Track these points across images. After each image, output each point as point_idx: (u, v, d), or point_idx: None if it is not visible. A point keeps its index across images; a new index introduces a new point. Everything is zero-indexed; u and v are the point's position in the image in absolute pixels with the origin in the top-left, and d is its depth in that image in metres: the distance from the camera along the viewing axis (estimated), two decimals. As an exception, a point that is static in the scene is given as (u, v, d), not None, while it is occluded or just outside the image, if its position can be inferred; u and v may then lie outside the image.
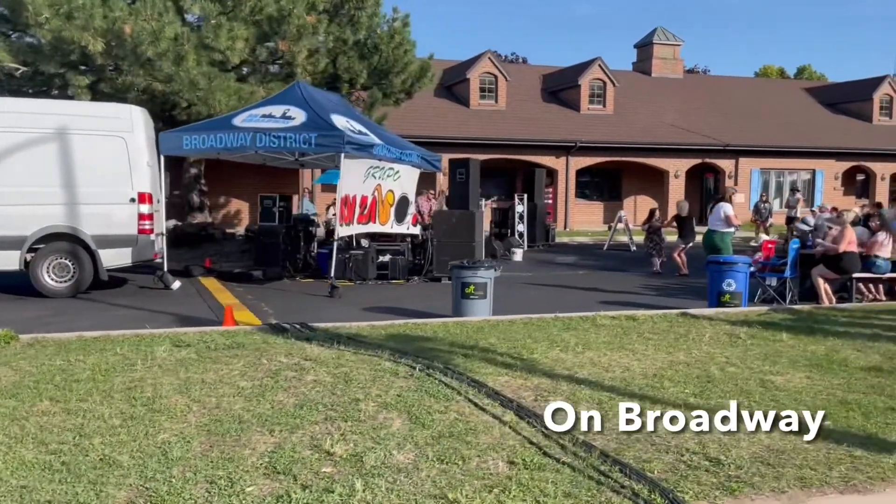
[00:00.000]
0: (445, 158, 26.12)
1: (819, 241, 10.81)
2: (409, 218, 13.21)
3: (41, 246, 9.83)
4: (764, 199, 23.73)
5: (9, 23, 12.62)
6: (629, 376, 5.51)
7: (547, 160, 26.59)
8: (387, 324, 7.32)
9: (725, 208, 11.12)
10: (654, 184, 28.71)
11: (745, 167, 29.48)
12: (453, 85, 28.26)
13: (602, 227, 25.83)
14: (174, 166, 18.33)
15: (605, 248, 20.66)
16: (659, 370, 5.72)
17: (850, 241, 10.04)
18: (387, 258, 13.03)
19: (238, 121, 11.03)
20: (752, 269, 10.87)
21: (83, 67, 12.44)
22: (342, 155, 10.47)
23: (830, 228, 11.38)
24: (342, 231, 10.99)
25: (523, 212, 20.39)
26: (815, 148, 29.70)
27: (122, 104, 11.06)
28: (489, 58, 27.15)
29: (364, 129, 12.36)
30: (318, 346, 6.17)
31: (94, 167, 9.86)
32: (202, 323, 7.84)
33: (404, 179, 12.80)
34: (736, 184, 29.33)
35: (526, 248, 20.25)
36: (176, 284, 10.81)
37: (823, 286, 10.15)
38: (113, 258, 10.02)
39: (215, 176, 17.65)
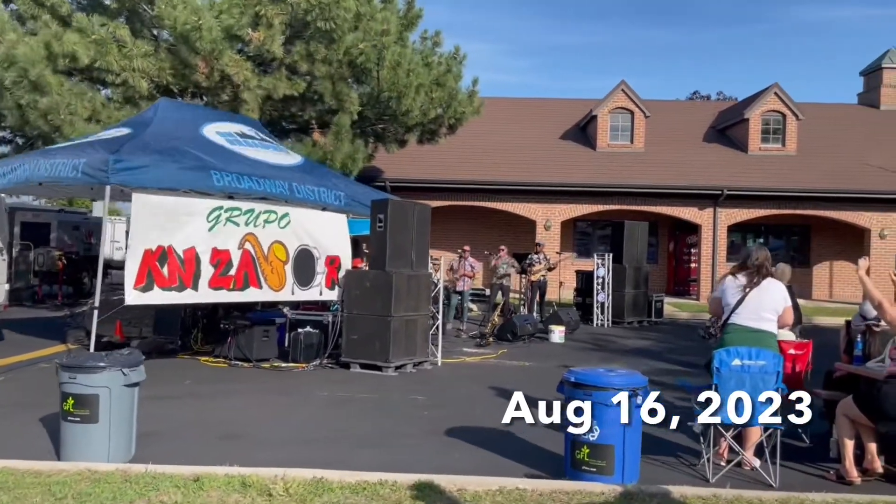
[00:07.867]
0: (553, 209, 22.14)
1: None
2: (319, 279, 9.90)
3: None
4: None
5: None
6: None
7: (688, 212, 21.24)
8: None
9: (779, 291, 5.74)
10: (855, 245, 21.77)
11: None
12: (586, 125, 24.11)
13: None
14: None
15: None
16: None
17: None
18: (303, 331, 9.85)
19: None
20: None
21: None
22: (120, 190, 7.65)
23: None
24: (133, 298, 7.84)
25: (605, 276, 15.77)
26: None
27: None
28: (622, 90, 22.61)
29: (262, 158, 9.56)
30: None
31: None
32: None
33: (301, 226, 9.60)
34: (981, 247, 21.21)
35: (610, 323, 15.63)
36: None
37: (849, 444, 5.06)
38: None
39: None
